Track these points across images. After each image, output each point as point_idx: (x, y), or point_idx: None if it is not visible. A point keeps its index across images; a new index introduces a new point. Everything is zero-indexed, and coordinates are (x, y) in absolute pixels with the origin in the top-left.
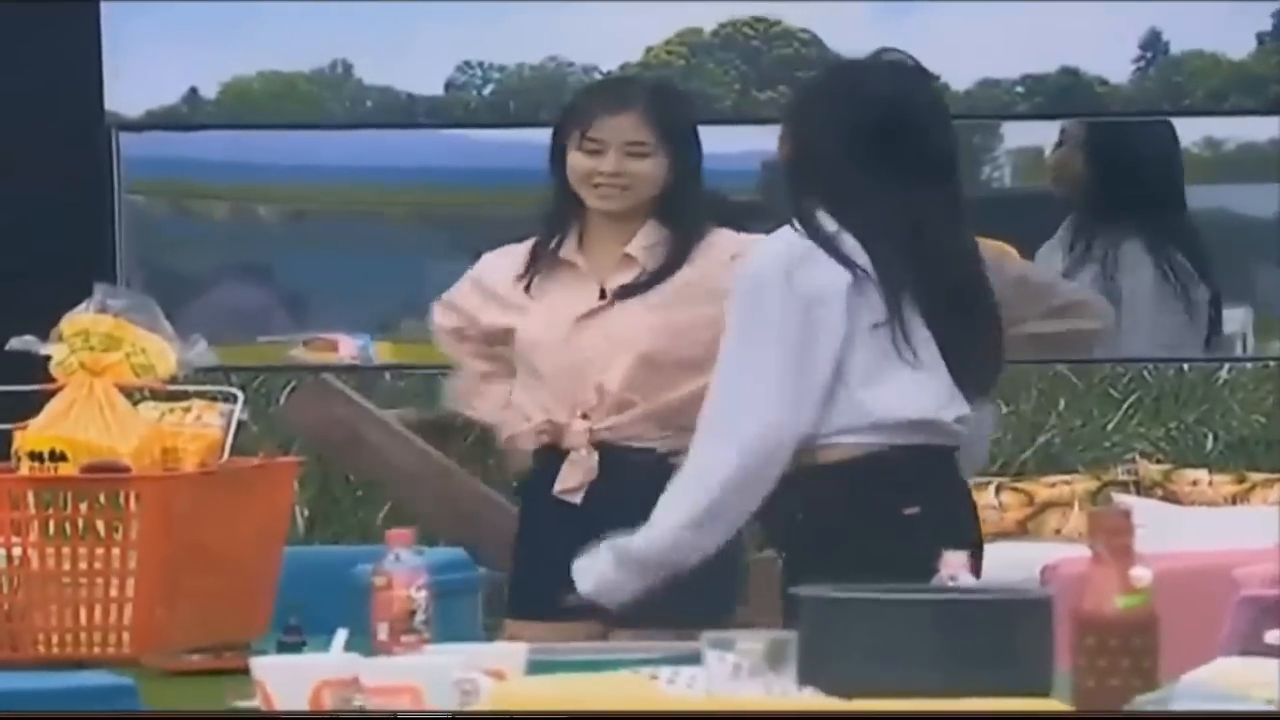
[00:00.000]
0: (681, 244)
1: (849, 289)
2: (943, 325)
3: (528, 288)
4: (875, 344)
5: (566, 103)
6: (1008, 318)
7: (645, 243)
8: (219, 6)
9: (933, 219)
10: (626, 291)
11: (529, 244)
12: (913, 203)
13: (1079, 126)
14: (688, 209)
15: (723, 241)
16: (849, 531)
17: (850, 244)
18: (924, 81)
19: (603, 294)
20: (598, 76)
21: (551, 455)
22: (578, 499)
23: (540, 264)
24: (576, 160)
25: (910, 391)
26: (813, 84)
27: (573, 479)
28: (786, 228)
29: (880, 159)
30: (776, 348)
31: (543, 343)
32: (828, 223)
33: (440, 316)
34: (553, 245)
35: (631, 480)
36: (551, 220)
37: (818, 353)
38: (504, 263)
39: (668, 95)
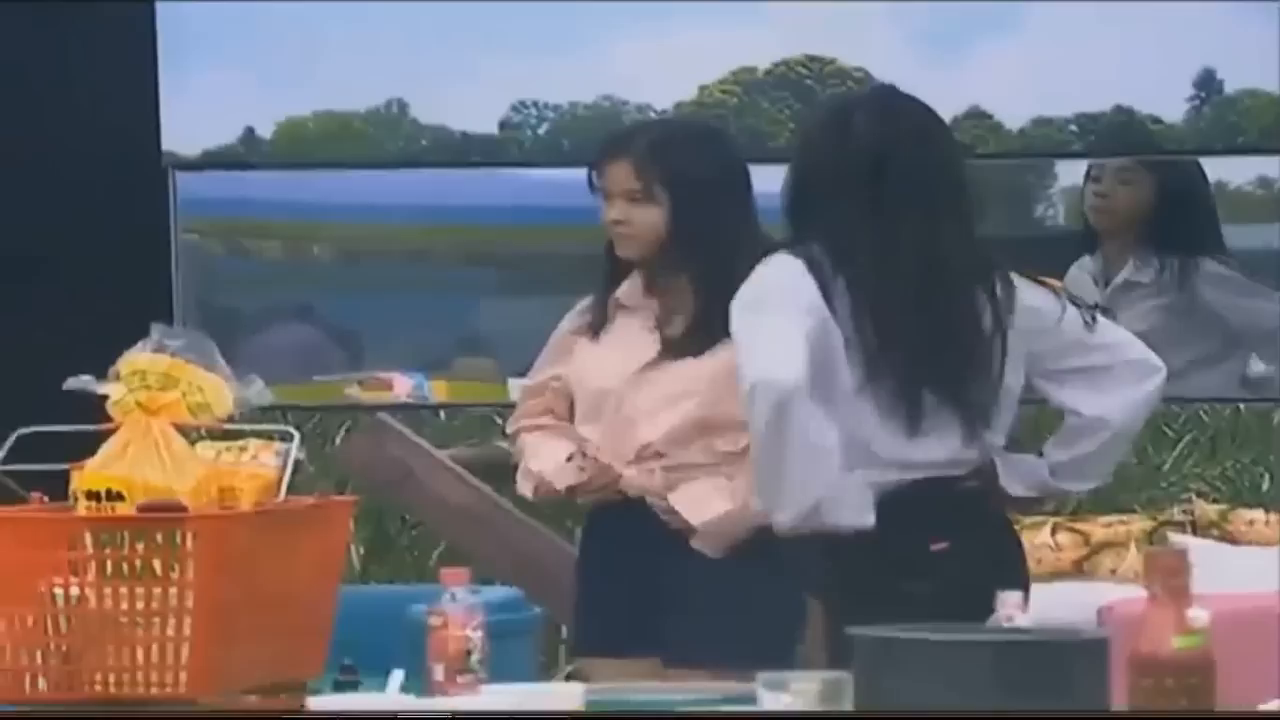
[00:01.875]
0: (731, 290)
1: (827, 309)
2: (939, 361)
3: (595, 334)
4: (863, 393)
5: None
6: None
7: (695, 288)
8: (275, 47)
9: (922, 251)
10: (686, 337)
11: (600, 293)
12: (900, 235)
13: (1114, 163)
14: (703, 252)
15: None
16: (877, 570)
17: (838, 279)
18: (909, 113)
19: (661, 342)
20: (652, 115)
21: (614, 499)
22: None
23: (596, 313)
24: (602, 207)
25: (904, 436)
26: (804, 120)
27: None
28: (782, 251)
29: (864, 192)
30: (774, 316)
31: (602, 391)
32: (824, 259)
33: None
34: (610, 294)
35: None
36: (607, 270)
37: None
38: (580, 313)
39: (666, 141)
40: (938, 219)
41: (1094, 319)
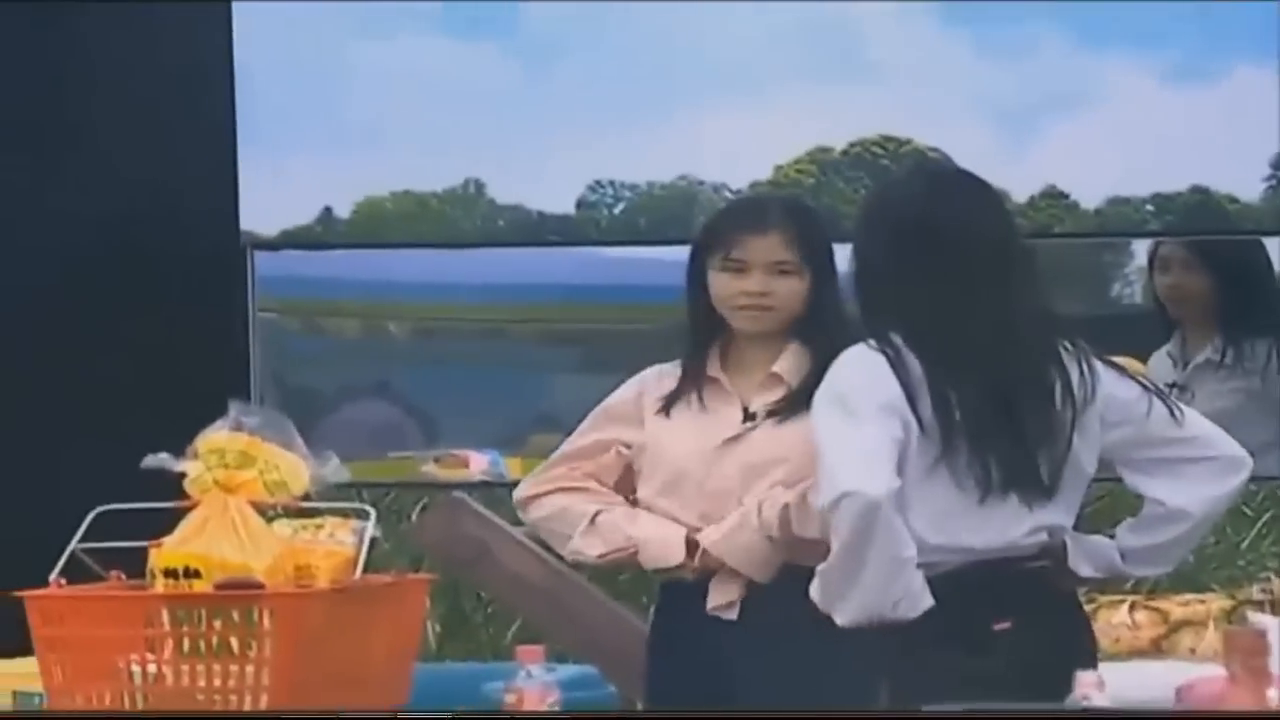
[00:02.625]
0: (826, 363)
1: (909, 407)
2: (1002, 438)
3: (669, 408)
4: (934, 474)
5: (705, 223)
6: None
7: (791, 362)
8: (353, 127)
9: (982, 329)
10: (773, 411)
11: (676, 364)
12: (957, 316)
13: (1176, 245)
14: (831, 327)
15: None
16: (940, 649)
17: (915, 367)
18: (965, 187)
19: (748, 415)
20: (728, 195)
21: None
22: (733, 615)
23: (687, 384)
24: (720, 281)
25: (974, 517)
26: (863, 202)
27: (723, 596)
28: (861, 344)
29: (931, 273)
30: (862, 425)
31: (689, 465)
32: (895, 340)
33: (593, 435)
34: (699, 366)
35: (772, 599)
36: (694, 340)
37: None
38: (652, 384)
39: (807, 214)
40: (1006, 293)
41: (1181, 412)
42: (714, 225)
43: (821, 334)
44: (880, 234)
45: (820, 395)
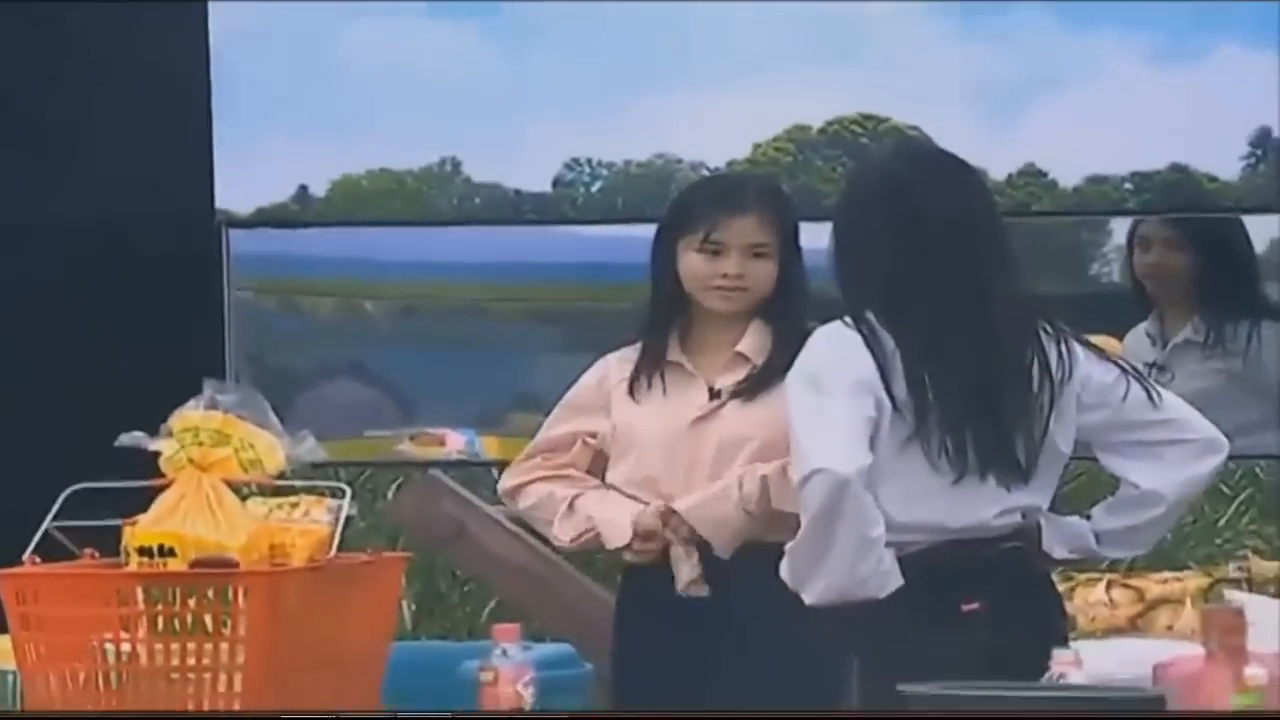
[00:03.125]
0: (789, 342)
1: (882, 385)
2: (979, 419)
3: (632, 391)
4: (907, 452)
5: (675, 202)
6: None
7: (755, 341)
8: (329, 105)
9: (960, 309)
10: (739, 391)
11: (636, 347)
12: (935, 295)
13: (1155, 224)
14: (795, 307)
15: None
16: (911, 628)
17: (889, 345)
18: (944, 166)
19: (714, 394)
20: (705, 173)
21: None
22: (704, 591)
23: (646, 366)
24: (694, 261)
25: (948, 497)
26: (844, 181)
27: (690, 573)
28: (837, 322)
29: (909, 252)
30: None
31: (656, 446)
32: (870, 319)
33: (561, 427)
34: (659, 347)
35: (739, 577)
36: (654, 321)
37: (859, 408)
38: (614, 369)
39: (780, 196)
40: (984, 274)
41: (1159, 395)
42: (688, 206)
43: (785, 313)
44: (861, 212)
45: (794, 373)
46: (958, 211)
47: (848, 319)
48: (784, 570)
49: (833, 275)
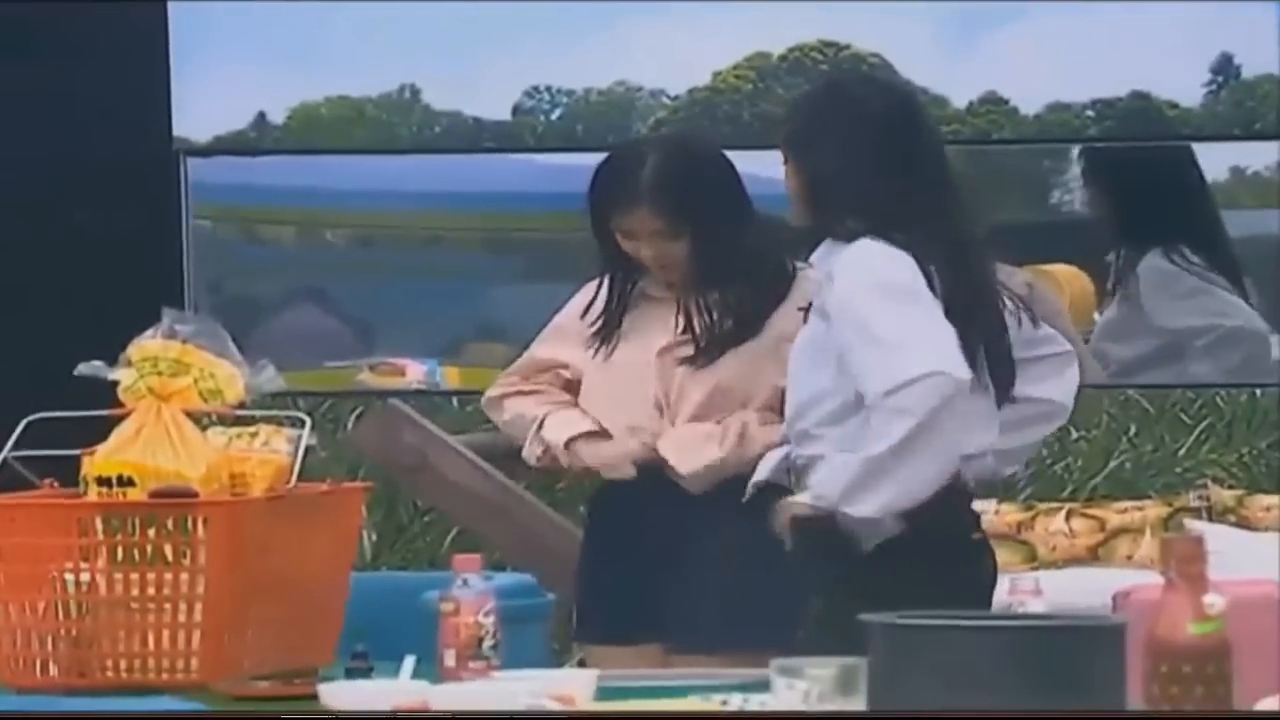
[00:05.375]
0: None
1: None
2: (988, 341)
3: (605, 324)
4: None
5: (589, 187)
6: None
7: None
8: (286, 33)
9: (951, 230)
10: (710, 329)
11: (609, 278)
12: (933, 216)
13: (1096, 154)
14: (727, 265)
15: (802, 292)
16: (922, 558)
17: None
18: (904, 91)
19: (686, 329)
20: (666, 101)
21: (619, 483)
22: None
23: (620, 298)
24: (622, 243)
25: (988, 416)
26: (811, 108)
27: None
28: (868, 239)
29: (890, 169)
30: (916, 308)
31: (625, 375)
32: (898, 237)
33: (542, 350)
34: (635, 280)
35: (700, 504)
36: (612, 270)
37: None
38: (589, 297)
39: (672, 173)
40: (956, 191)
41: (1034, 317)
42: (594, 195)
43: (722, 274)
44: (845, 134)
45: (858, 287)
46: (935, 135)
47: (880, 237)
48: (828, 483)
49: (814, 199)
